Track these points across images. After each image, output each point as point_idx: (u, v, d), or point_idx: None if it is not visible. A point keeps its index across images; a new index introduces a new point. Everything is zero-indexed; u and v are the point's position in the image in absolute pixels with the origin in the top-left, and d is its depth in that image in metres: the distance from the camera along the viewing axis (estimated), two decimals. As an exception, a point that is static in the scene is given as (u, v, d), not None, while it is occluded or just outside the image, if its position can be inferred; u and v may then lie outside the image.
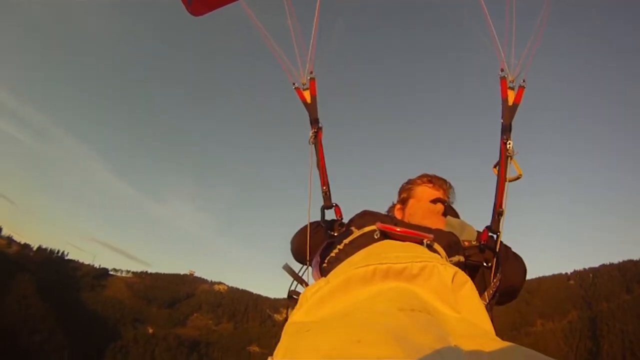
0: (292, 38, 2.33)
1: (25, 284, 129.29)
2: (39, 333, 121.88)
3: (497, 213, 1.85)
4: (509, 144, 1.93)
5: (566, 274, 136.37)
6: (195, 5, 2.92)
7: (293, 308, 1.11)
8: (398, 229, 1.55)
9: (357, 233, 1.69)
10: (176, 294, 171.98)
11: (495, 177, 1.94)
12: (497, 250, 1.79)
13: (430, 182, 2.15)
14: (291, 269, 1.96)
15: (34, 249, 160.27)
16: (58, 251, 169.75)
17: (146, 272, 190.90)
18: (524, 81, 2.04)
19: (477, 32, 2.24)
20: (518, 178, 1.90)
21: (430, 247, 1.48)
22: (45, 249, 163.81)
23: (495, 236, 1.85)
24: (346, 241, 1.67)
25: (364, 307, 0.98)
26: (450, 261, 1.50)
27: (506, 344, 0.89)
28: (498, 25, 2.13)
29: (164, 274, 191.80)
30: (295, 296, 1.74)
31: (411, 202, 2.12)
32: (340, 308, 1.00)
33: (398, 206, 2.19)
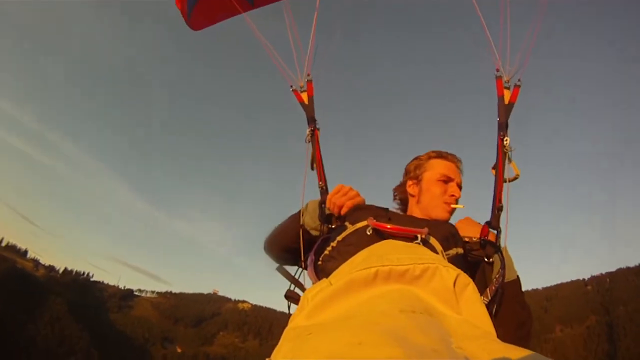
0: (289, 42, 2.42)
1: (58, 307, 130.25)
2: (75, 354, 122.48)
3: (497, 209, 1.85)
4: (506, 140, 1.93)
5: (584, 279, 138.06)
6: (194, 19, 2.92)
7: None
8: (388, 227, 1.54)
9: (350, 229, 1.69)
10: (202, 313, 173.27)
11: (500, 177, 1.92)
12: (499, 245, 1.76)
13: (440, 156, 2.11)
14: (286, 270, 1.89)
15: (60, 271, 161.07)
16: (84, 273, 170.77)
17: (170, 292, 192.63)
18: (519, 81, 2.05)
19: (472, 32, 2.32)
20: (516, 178, 1.89)
21: (425, 242, 1.48)
22: (71, 271, 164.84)
23: (496, 232, 1.82)
24: (339, 238, 1.68)
25: (366, 309, 0.99)
26: (447, 255, 1.52)
27: (507, 345, 0.88)
28: (493, 25, 2.15)
29: (188, 293, 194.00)
30: (294, 297, 1.69)
31: (426, 175, 2.06)
32: (342, 311, 1.00)
33: (410, 182, 2.11)
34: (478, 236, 1.76)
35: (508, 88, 2.07)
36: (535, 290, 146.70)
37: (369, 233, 1.58)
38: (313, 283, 1.47)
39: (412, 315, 0.92)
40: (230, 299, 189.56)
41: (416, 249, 1.36)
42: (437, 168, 2.07)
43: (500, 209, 1.85)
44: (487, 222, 1.84)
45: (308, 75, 2.44)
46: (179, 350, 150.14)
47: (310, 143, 2.29)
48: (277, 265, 1.96)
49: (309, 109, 2.39)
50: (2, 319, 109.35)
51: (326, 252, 1.68)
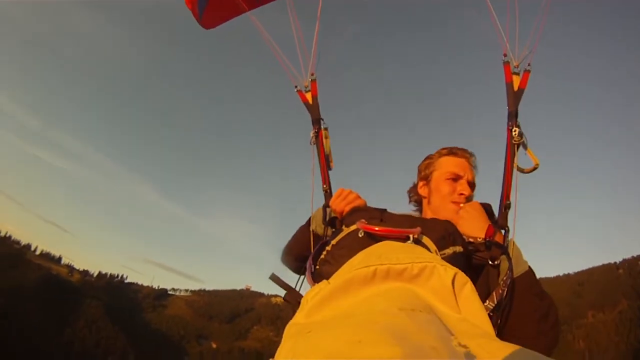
0: (294, 42, 2.36)
1: (93, 310, 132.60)
2: (112, 354, 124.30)
3: (504, 206, 1.77)
4: (515, 131, 1.83)
5: (615, 263, 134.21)
6: (206, 19, 2.96)
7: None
8: (377, 229, 1.53)
9: (343, 232, 1.68)
10: (235, 308, 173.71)
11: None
12: (506, 246, 1.66)
13: (450, 152, 2.04)
14: (279, 278, 1.82)
15: (94, 275, 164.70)
16: (118, 275, 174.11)
17: (204, 289, 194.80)
18: (529, 65, 1.94)
19: (478, 16, 2.45)
20: (535, 169, 1.76)
21: (418, 242, 1.44)
22: (105, 274, 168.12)
23: (504, 232, 1.74)
24: (333, 242, 1.66)
25: (365, 307, 0.99)
26: (443, 254, 1.48)
27: (507, 344, 0.87)
28: (500, 7, 2.03)
29: (221, 290, 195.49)
30: (293, 302, 1.68)
31: (435, 174, 2.03)
32: (341, 309, 1.02)
33: (421, 184, 2.09)
34: (483, 236, 1.66)
35: (517, 73, 1.97)
36: (567, 276, 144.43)
37: (360, 236, 1.57)
38: (310, 287, 1.43)
39: (412, 314, 0.92)
40: (263, 294, 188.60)
41: (414, 248, 1.36)
42: (445, 166, 2.01)
43: (507, 206, 1.78)
44: (493, 222, 1.76)
45: (312, 74, 2.41)
46: (214, 346, 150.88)
47: (315, 145, 2.27)
48: (272, 274, 1.89)
49: (313, 109, 2.37)
50: (41, 326, 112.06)
51: (322, 256, 1.67)
